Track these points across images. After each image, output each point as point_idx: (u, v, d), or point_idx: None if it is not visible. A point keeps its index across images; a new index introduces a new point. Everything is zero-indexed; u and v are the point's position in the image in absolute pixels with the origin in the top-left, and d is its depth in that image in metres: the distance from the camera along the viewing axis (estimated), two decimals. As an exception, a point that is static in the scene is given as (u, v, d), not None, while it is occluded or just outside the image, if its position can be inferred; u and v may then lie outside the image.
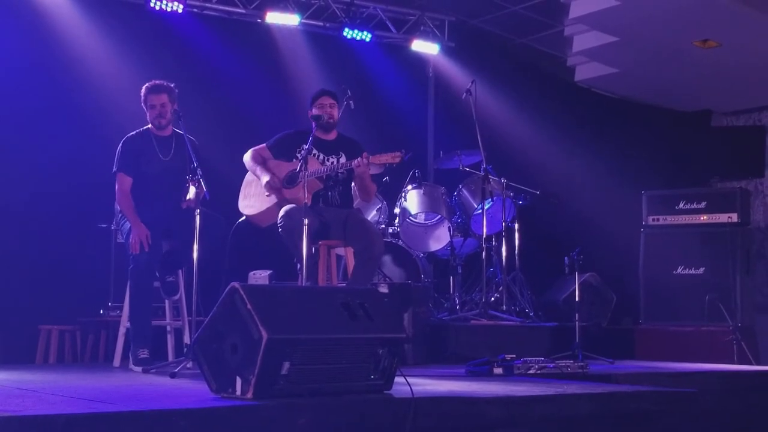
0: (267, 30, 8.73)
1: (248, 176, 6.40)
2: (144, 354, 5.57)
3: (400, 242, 7.78)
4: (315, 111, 6.16)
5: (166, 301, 6.15)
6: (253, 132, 7.22)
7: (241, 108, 8.24)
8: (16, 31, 7.39)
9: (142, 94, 5.96)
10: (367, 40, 9.09)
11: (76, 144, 7.31)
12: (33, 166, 7.14)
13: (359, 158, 5.93)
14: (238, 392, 3.47)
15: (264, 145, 6.34)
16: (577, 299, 6.62)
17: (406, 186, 8.01)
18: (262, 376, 3.41)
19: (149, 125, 5.99)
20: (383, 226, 7.82)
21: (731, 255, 7.87)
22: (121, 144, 5.94)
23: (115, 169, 5.91)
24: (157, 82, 5.96)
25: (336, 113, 6.26)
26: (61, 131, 7.30)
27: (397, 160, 5.93)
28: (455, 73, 9.54)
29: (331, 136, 6.31)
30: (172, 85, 5.99)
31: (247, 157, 6.32)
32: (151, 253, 5.65)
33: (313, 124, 5.99)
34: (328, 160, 6.20)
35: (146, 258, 5.64)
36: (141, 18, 7.98)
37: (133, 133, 5.99)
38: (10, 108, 7.13)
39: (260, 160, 6.28)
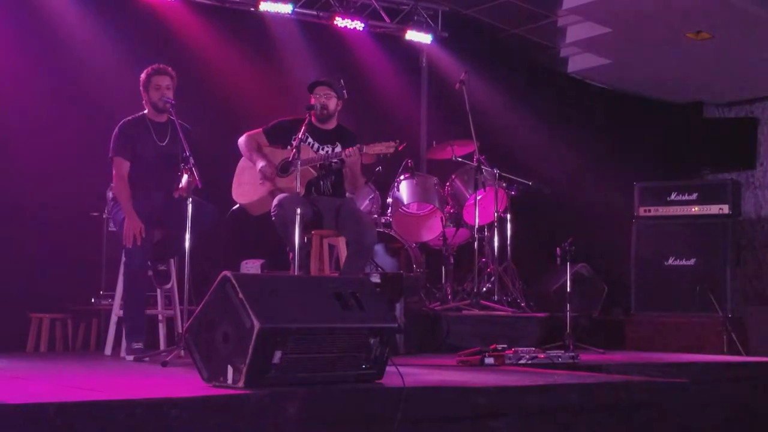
0: (260, 18, 8.71)
1: (242, 162, 6.38)
2: (138, 345, 5.56)
3: (393, 232, 7.78)
4: (311, 100, 6.16)
5: (158, 290, 6.14)
6: (245, 120, 7.21)
7: (234, 96, 8.21)
8: (4, 17, 7.35)
9: (144, 76, 5.91)
10: (360, 29, 9.08)
11: (67, 132, 7.28)
12: (23, 154, 7.11)
13: (351, 149, 5.93)
14: (230, 381, 3.47)
15: (260, 129, 6.32)
16: (568, 290, 6.63)
17: (399, 176, 8.01)
18: (253, 365, 3.42)
19: (145, 111, 5.97)
20: (375, 215, 7.83)
21: (722, 246, 7.90)
22: (117, 128, 5.88)
23: (111, 153, 5.85)
24: (162, 65, 5.94)
25: (331, 103, 6.23)
26: (51, 119, 7.27)
27: (391, 150, 5.92)
28: (448, 63, 9.53)
29: (329, 125, 6.29)
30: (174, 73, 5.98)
31: (242, 142, 6.31)
32: (144, 243, 5.64)
33: (308, 114, 5.96)
34: (322, 149, 6.19)
35: (140, 250, 5.62)
36: (133, 5, 7.95)
37: (129, 118, 5.94)
38: (-1, 96, 7.12)
39: (255, 146, 6.27)
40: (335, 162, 6.10)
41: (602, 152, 9.91)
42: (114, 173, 5.84)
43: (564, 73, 10.31)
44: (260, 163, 6.14)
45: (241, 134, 6.37)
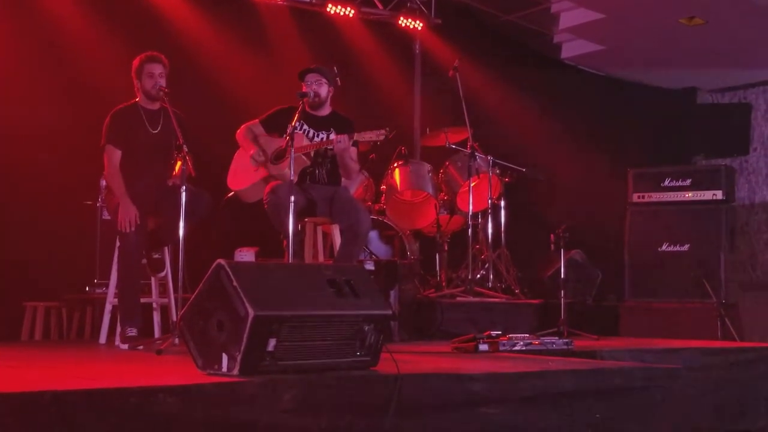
0: (252, 6, 8.68)
1: (239, 152, 6.41)
2: (132, 332, 5.56)
3: (387, 219, 7.79)
4: (303, 88, 6.16)
5: (153, 279, 6.14)
6: (238, 108, 7.22)
7: (226, 83, 8.18)
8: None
9: (136, 63, 5.88)
10: (350, 15, 9.05)
11: (59, 120, 7.27)
12: (16, 143, 7.09)
13: (340, 136, 5.94)
14: (224, 369, 3.48)
15: (257, 120, 6.34)
16: (562, 276, 6.64)
17: (393, 163, 8.01)
18: (248, 353, 3.42)
19: (137, 99, 5.95)
20: (369, 203, 7.83)
21: (716, 232, 7.90)
22: (109, 117, 5.85)
23: (103, 142, 5.82)
24: (155, 52, 5.91)
25: (322, 90, 6.24)
26: (44, 107, 7.25)
27: (381, 137, 5.92)
28: (442, 50, 9.51)
29: (323, 112, 6.30)
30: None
31: (239, 133, 6.35)
32: (138, 231, 5.62)
33: (301, 102, 5.96)
34: (317, 136, 6.19)
35: (134, 237, 5.61)
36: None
37: (121, 106, 5.92)
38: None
39: (251, 136, 6.30)
40: (330, 149, 6.10)
41: (596, 138, 9.91)
42: (105, 162, 5.82)
43: (557, 59, 10.29)
44: (251, 150, 6.17)
45: (234, 121, 6.40)
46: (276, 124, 6.24)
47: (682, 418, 4.79)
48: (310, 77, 6.23)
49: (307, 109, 6.14)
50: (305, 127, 6.17)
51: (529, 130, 9.58)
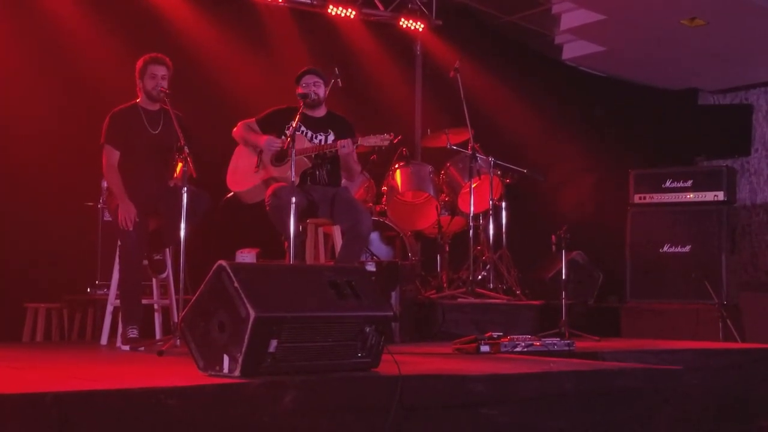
0: (252, 6, 8.68)
1: (238, 150, 6.40)
2: (133, 333, 5.56)
3: (388, 221, 7.78)
4: (300, 90, 6.16)
5: (154, 280, 6.14)
6: (238, 108, 7.21)
7: (226, 84, 8.18)
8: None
9: (140, 64, 5.87)
10: (351, 16, 9.05)
11: (60, 120, 7.27)
12: (18, 143, 7.09)
13: (345, 140, 5.94)
14: (226, 370, 3.48)
15: (253, 119, 6.35)
16: (563, 277, 6.63)
17: (394, 164, 8.01)
18: (249, 354, 3.42)
19: (137, 99, 5.95)
20: (370, 204, 7.82)
21: (717, 233, 7.90)
22: (108, 117, 5.85)
23: (102, 141, 5.83)
24: (160, 54, 5.91)
25: (321, 91, 6.26)
26: (44, 107, 7.26)
27: (386, 143, 5.93)
28: (443, 51, 9.51)
29: (320, 113, 6.31)
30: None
31: (236, 130, 6.34)
32: (139, 231, 5.62)
33: (302, 102, 5.96)
34: (315, 137, 6.20)
35: (135, 236, 5.61)
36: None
37: (121, 107, 5.93)
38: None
39: (250, 131, 6.30)
40: (330, 151, 6.10)
41: (597, 139, 9.91)
42: (104, 161, 5.82)
43: (558, 60, 10.29)
44: (262, 138, 6.15)
45: (234, 121, 6.39)
46: (273, 125, 6.24)
47: (684, 420, 4.79)
48: (308, 78, 6.24)
49: (304, 110, 6.14)
50: (302, 128, 6.17)
51: (530, 132, 9.57)
